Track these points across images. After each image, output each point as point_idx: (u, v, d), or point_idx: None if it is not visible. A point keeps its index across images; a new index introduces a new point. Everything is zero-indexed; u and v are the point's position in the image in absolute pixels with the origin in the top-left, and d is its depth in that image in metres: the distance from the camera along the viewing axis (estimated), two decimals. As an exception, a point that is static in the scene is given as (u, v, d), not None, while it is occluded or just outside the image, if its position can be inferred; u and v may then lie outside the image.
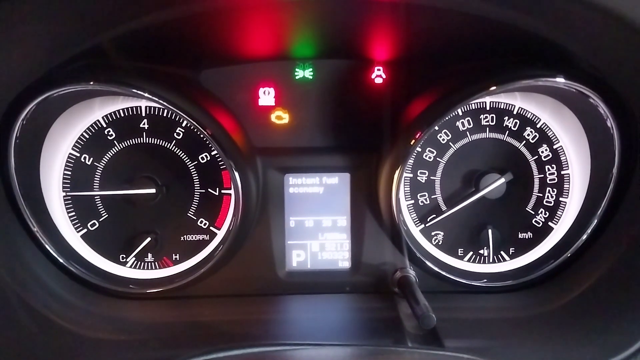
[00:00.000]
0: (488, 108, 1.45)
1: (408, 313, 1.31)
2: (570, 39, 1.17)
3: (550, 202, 1.48)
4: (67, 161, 1.42)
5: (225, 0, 1.12)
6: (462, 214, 1.47)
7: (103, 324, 1.34)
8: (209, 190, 1.46)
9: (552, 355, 1.20)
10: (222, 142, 1.33)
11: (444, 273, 1.45)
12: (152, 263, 1.48)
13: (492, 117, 1.45)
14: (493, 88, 1.27)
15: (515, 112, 1.44)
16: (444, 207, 1.49)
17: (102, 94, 1.36)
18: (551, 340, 1.26)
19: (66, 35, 1.08)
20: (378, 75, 1.48)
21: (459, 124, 1.45)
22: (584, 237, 1.42)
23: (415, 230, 1.51)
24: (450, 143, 1.46)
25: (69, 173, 1.42)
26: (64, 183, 1.42)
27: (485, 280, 1.48)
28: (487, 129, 1.45)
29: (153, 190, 1.41)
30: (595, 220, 1.41)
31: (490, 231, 1.47)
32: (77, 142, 1.41)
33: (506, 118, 1.45)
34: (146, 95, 1.26)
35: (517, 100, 1.44)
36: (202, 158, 1.45)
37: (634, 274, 1.27)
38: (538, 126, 1.45)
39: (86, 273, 1.42)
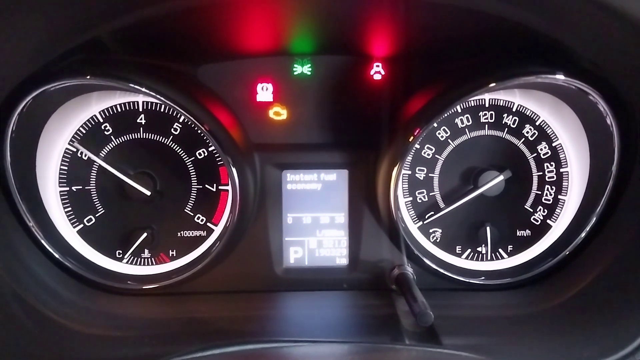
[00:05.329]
0: (487, 105, 1.44)
1: (405, 310, 1.31)
2: (570, 36, 1.17)
3: (549, 200, 1.48)
4: (64, 156, 1.41)
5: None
6: (460, 212, 1.47)
7: (99, 320, 1.33)
8: (206, 186, 1.46)
9: (549, 353, 1.20)
10: (220, 137, 1.32)
11: (441, 270, 1.45)
12: (149, 259, 1.47)
13: (491, 114, 1.44)
14: (492, 85, 1.27)
15: (514, 110, 1.44)
16: (442, 205, 1.48)
17: (99, 89, 1.36)
18: (549, 338, 1.26)
19: (63, 28, 1.07)
20: (377, 71, 1.47)
21: (457, 120, 1.45)
22: (583, 235, 1.42)
23: (414, 228, 1.50)
24: (449, 140, 1.46)
25: (66, 168, 1.41)
26: (60, 178, 1.41)
27: (483, 277, 1.48)
28: (486, 126, 1.45)
29: (148, 193, 1.40)
30: (594, 218, 1.41)
31: (488, 229, 1.46)
32: (73, 136, 1.40)
33: (505, 115, 1.44)
34: (143, 90, 1.25)
35: (516, 97, 1.43)
36: (200, 154, 1.44)
37: (632, 272, 1.26)
38: (537, 123, 1.44)
39: (82, 269, 1.41)
